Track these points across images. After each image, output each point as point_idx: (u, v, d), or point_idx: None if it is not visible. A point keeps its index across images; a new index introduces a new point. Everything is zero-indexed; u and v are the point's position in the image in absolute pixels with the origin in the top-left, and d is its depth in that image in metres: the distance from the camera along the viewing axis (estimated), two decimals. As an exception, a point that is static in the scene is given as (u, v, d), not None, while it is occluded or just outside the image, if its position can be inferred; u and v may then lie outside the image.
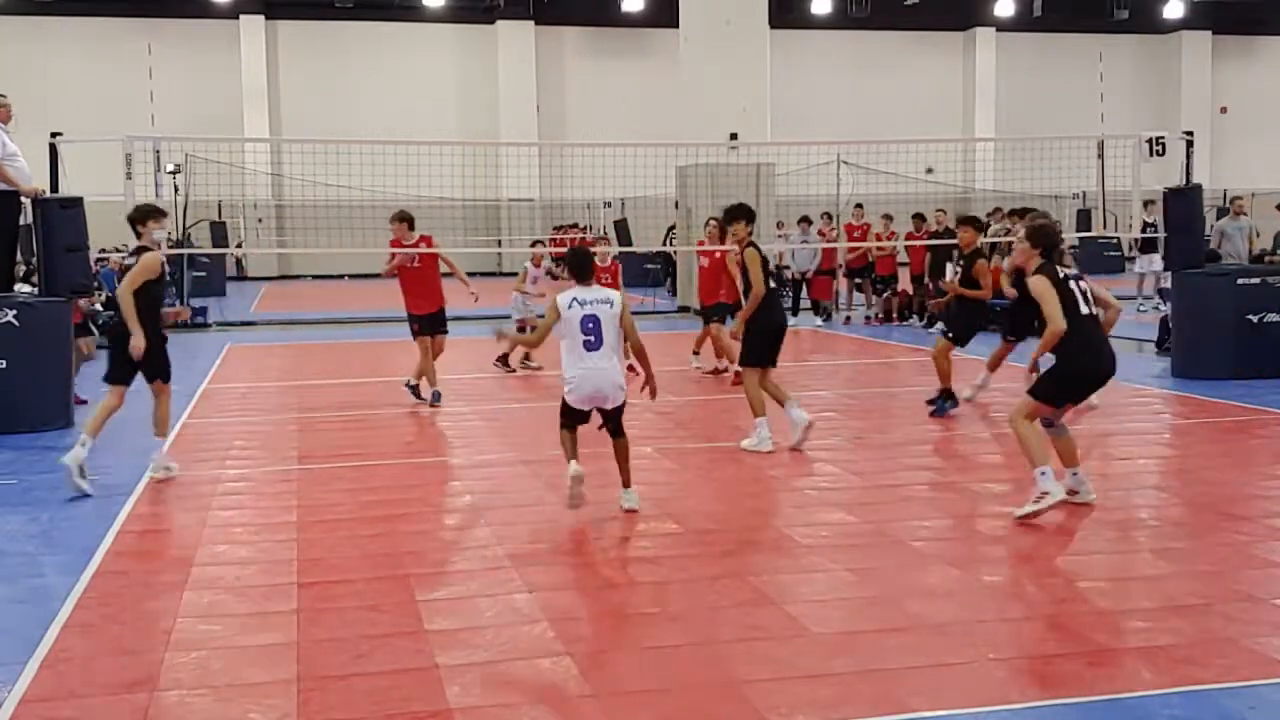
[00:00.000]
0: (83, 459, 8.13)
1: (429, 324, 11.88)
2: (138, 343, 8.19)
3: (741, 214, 9.58)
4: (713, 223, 13.78)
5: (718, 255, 13.37)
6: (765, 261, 9.48)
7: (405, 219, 12.01)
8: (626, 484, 7.49)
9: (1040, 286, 7.00)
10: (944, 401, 10.86)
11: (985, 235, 14.22)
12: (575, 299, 7.14)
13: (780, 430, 9.32)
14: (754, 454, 9.15)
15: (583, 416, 7.33)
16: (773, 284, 9.50)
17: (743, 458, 9.10)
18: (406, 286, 11.92)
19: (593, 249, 13.17)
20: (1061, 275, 7.08)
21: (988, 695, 4.55)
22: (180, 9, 36.55)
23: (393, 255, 12.01)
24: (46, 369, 10.69)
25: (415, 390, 11.88)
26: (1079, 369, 7.09)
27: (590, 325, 7.08)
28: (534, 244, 16.54)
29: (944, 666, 4.85)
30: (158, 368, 8.52)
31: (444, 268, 12.18)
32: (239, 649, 5.17)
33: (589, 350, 7.08)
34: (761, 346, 9.40)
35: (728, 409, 11.29)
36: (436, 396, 11.69)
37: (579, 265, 7.35)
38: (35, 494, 8.19)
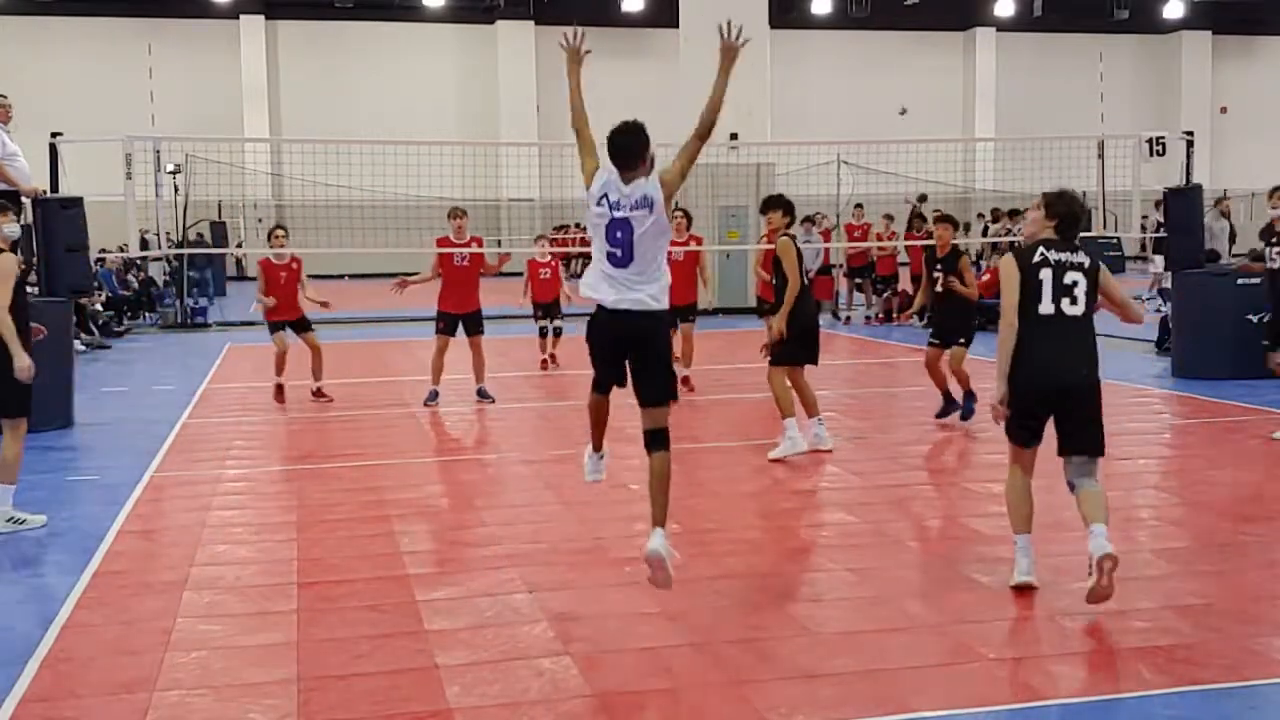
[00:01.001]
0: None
1: (457, 324, 11.87)
2: (22, 364, 7.16)
3: (778, 204, 9.21)
4: (679, 214, 12.85)
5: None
6: (800, 254, 9.03)
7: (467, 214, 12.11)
8: (658, 521, 5.54)
9: (1004, 269, 5.71)
10: (952, 407, 10.40)
11: (967, 234, 13.65)
12: (606, 195, 5.48)
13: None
14: (753, 453, 9.12)
15: (616, 370, 5.63)
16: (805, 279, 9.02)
17: (744, 457, 9.08)
18: (448, 284, 11.91)
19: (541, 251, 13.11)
20: (1038, 258, 5.63)
21: (988, 695, 4.55)
22: (180, 9, 36.52)
23: (441, 255, 11.94)
24: (46, 369, 10.64)
25: (484, 392, 11.92)
26: (1014, 386, 5.66)
27: (619, 235, 5.42)
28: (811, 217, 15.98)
29: (944, 666, 4.85)
30: (10, 398, 7.21)
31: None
32: (239, 649, 5.17)
33: (614, 265, 5.45)
34: (792, 344, 8.93)
35: (727, 409, 11.29)
36: (433, 395, 11.67)
37: (617, 148, 5.51)
38: (35, 494, 8.18)
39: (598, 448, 6.05)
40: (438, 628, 5.38)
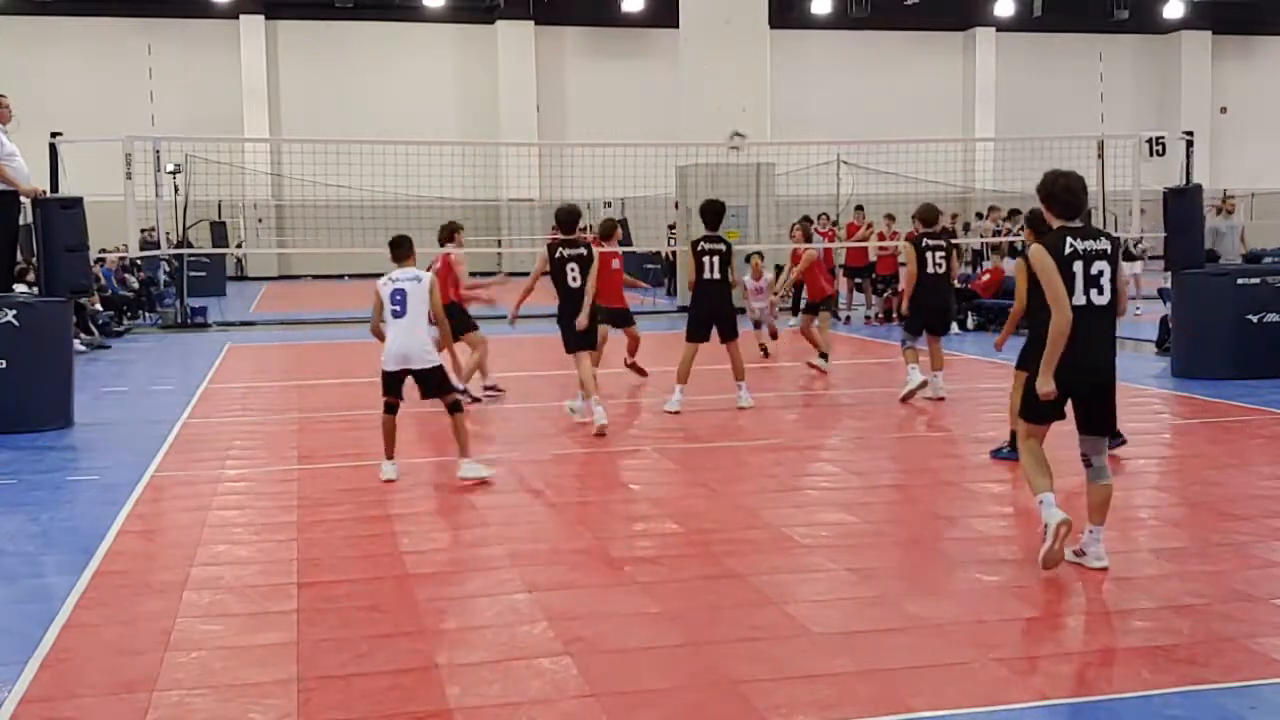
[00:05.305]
0: None
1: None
2: None
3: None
4: (797, 226, 15.34)
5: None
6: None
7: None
8: (463, 453, 8.27)
9: (1039, 260, 5.83)
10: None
11: (967, 233, 14.00)
12: (389, 277, 8.30)
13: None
14: (753, 453, 9.13)
15: (395, 388, 8.30)
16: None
17: (744, 457, 9.10)
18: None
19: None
20: (1068, 250, 5.76)
21: (988, 695, 4.55)
22: (180, 9, 36.52)
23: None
24: (46, 369, 10.69)
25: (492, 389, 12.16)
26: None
27: (398, 298, 8.18)
28: (749, 257, 16.66)
29: (944, 666, 4.85)
30: None
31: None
32: (239, 649, 5.17)
33: (396, 318, 8.19)
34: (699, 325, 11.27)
35: (728, 409, 11.28)
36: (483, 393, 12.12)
37: (394, 245, 8.54)
38: (35, 494, 8.20)
39: (389, 454, 8.48)
40: (438, 628, 5.38)
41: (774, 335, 15.77)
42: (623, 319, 12.99)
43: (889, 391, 12.14)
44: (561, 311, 10.41)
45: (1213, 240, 16.87)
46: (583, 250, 10.40)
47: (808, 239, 15.33)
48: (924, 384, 11.43)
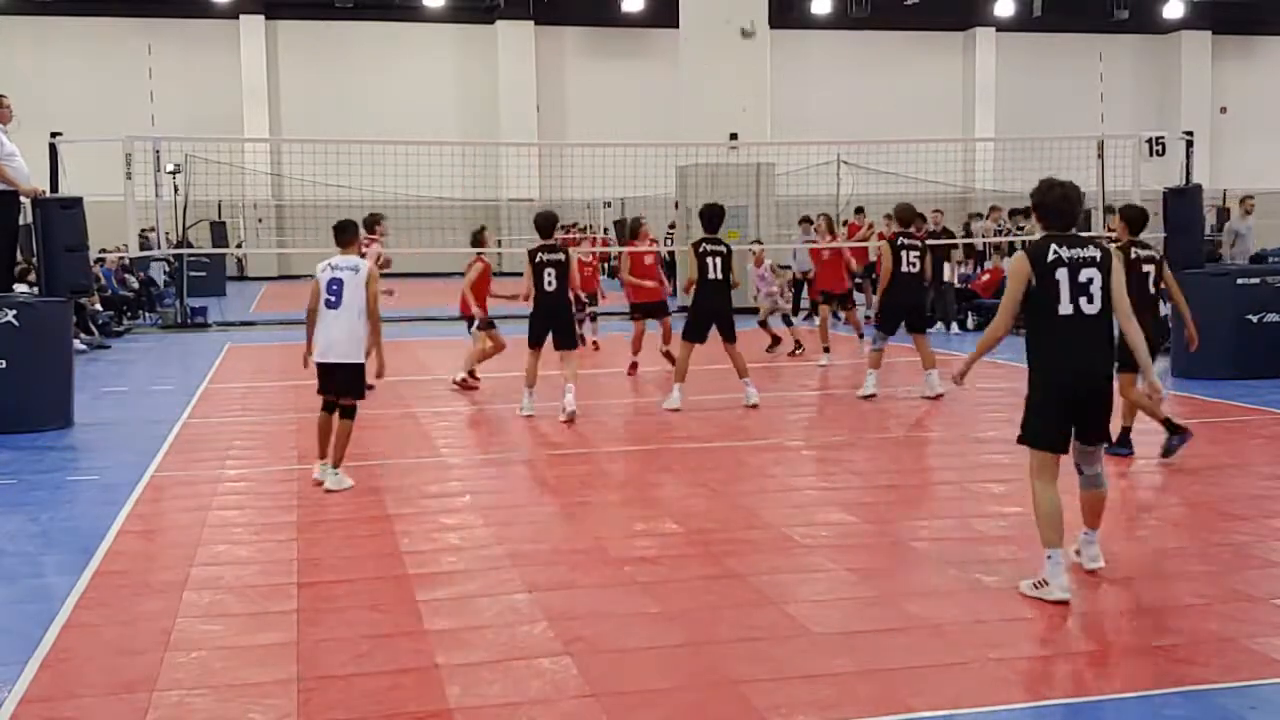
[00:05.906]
0: None
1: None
2: None
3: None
4: (821, 218, 16.80)
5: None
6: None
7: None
8: (334, 462, 8.07)
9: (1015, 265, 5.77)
10: (1176, 439, 8.72)
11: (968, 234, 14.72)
12: (329, 263, 8.11)
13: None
14: (753, 453, 9.14)
15: (328, 384, 8.07)
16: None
17: (744, 457, 9.10)
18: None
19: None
20: (1052, 257, 5.57)
21: (988, 695, 4.55)
22: (180, 9, 36.53)
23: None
24: (46, 369, 10.69)
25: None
26: (1046, 390, 5.70)
27: (334, 287, 7.98)
28: (753, 243, 17.44)
29: (944, 666, 4.85)
30: None
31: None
32: (239, 649, 5.17)
33: (329, 308, 7.99)
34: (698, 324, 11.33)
35: (729, 409, 11.29)
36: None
37: (338, 230, 8.32)
38: (35, 494, 8.20)
39: (322, 455, 8.18)
40: (438, 628, 5.38)
41: (798, 343, 15.64)
42: (659, 310, 14.00)
43: (888, 391, 12.16)
44: (535, 310, 10.97)
45: (1232, 241, 16.84)
46: (560, 256, 10.91)
47: (831, 230, 16.61)
48: (873, 396, 11.68)
